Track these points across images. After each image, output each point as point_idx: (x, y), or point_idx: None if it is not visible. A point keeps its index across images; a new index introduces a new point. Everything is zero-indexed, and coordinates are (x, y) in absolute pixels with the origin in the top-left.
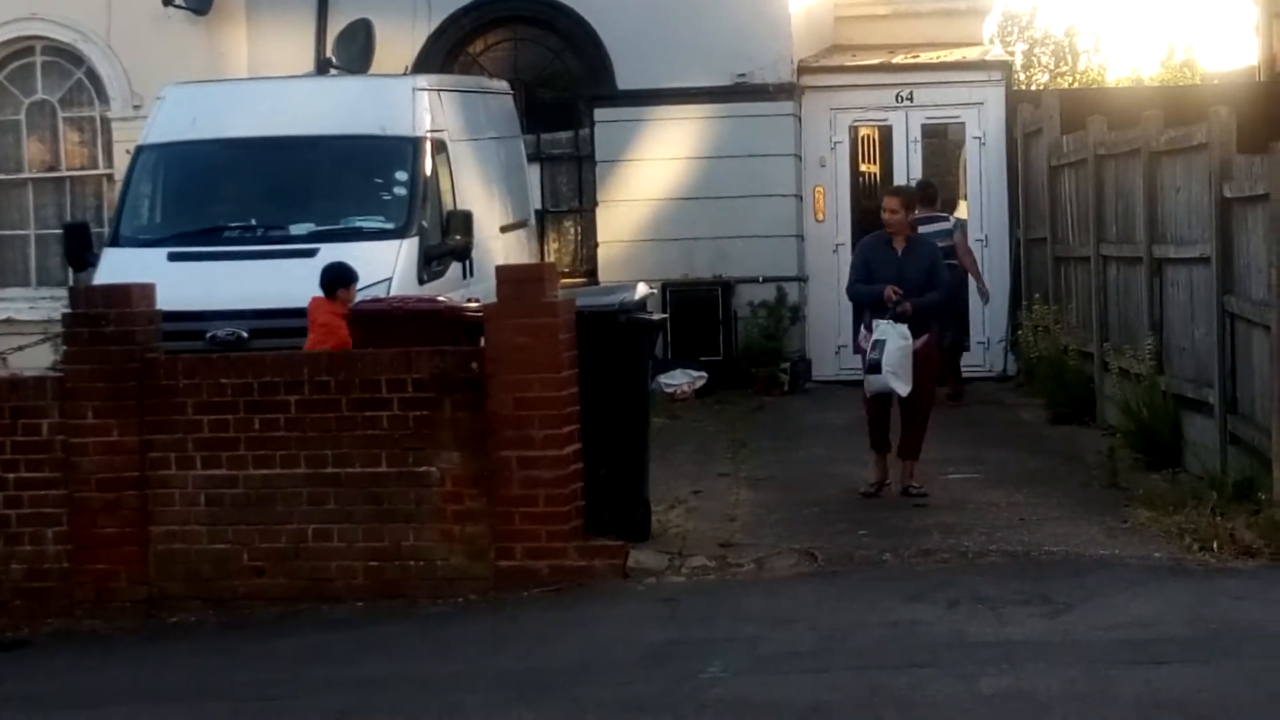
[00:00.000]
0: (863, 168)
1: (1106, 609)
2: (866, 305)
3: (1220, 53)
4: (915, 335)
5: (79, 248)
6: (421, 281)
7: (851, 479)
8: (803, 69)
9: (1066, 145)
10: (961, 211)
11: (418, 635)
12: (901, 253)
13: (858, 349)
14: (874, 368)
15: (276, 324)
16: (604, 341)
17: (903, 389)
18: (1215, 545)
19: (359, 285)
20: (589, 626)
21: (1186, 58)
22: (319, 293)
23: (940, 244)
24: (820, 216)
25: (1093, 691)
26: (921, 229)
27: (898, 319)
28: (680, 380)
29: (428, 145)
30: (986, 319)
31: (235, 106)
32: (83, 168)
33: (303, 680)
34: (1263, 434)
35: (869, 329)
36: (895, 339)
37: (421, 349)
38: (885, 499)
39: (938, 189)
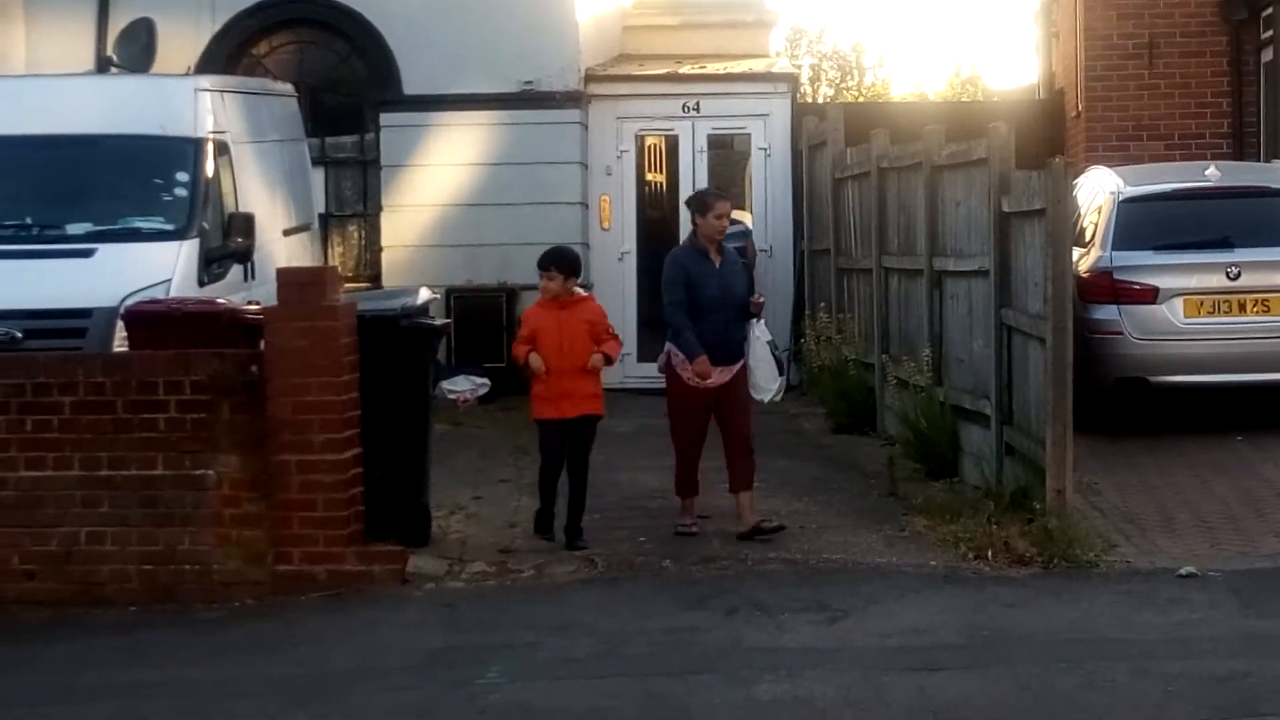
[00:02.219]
0: (649, 177)
1: (883, 616)
2: (682, 326)
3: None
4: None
5: None
6: (202, 284)
7: (633, 486)
8: (590, 77)
9: (850, 158)
10: (746, 220)
11: (191, 640)
12: (719, 264)
13: (664, 368)
14: (780, 370)
15: (52, 324)
16: (385, 346)
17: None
18: (990, 554)
19: (139, 287)
20: (367, 632)
21: (970, 76)
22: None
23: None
24: (606, 225)
25: (868, 698)
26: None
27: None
28: (463, 387)
29: (209, 146)
30: (770, 329)
31: (10, 103)
32: None
33: (71, 686)
34: (1037, 445)
35: (691, 350)
36: (765, 342)
37: (200, 351)
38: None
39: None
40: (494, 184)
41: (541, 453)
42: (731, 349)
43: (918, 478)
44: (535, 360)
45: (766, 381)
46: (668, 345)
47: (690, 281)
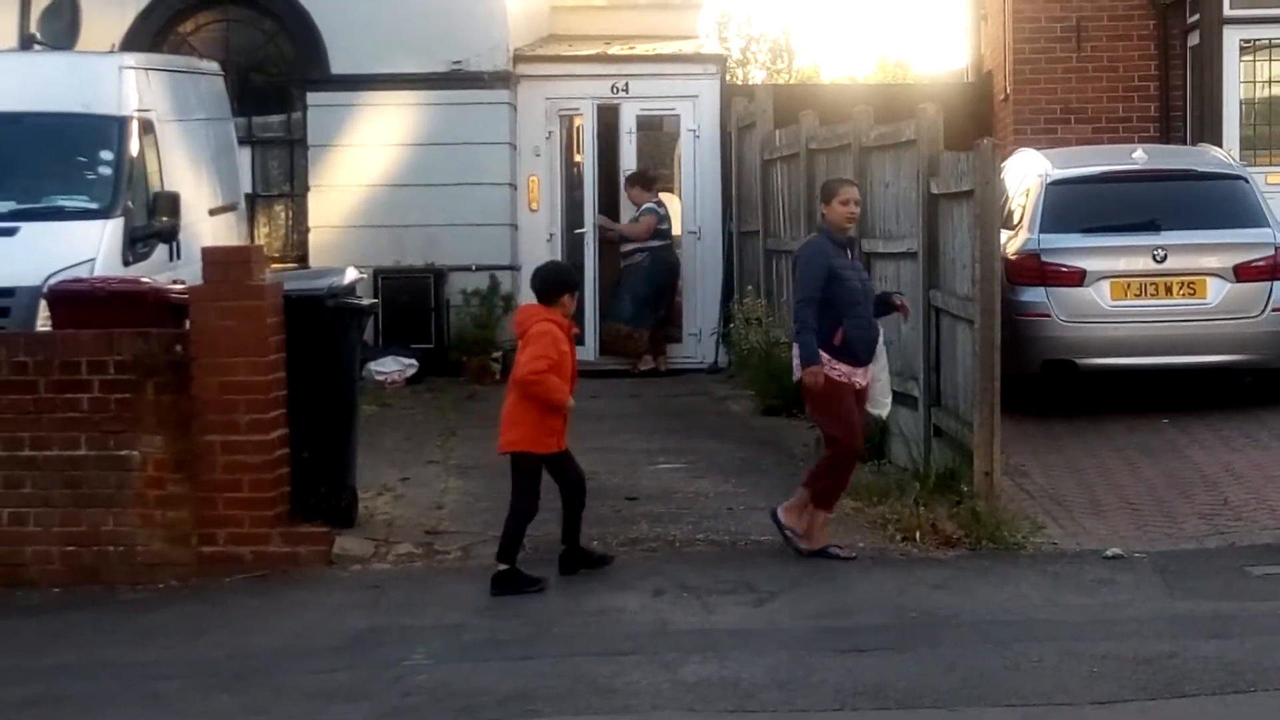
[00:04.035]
0: (577, 158)
1: (810, 598)
2: (806, 325)
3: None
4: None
5: None
6: (126, 263)
7: None
8: (519, 58)
9: (779, 139)
10: (674, 203)
11: (115, 622)
12: (852, 256)
13: (814, 378)
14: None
15: None
16: (312, 326)
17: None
18: (917, 535)
19: (63, 266)
20: (292, 613)
21: (901, 59)
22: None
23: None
24: (534, 206)
25: (795, 679)
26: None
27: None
28: (391, 368)
29: (134, 125)
30: (699, 311)
31: None
32: None
33: None
34: (965, 427)
35: (860, 355)
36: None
37: (124, 330)
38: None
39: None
40: (422, 164)
41: (531, 498)
42: (874, 348)
43: None
44: (570, 404)
45: (884, 395)
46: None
47: (833, 274)
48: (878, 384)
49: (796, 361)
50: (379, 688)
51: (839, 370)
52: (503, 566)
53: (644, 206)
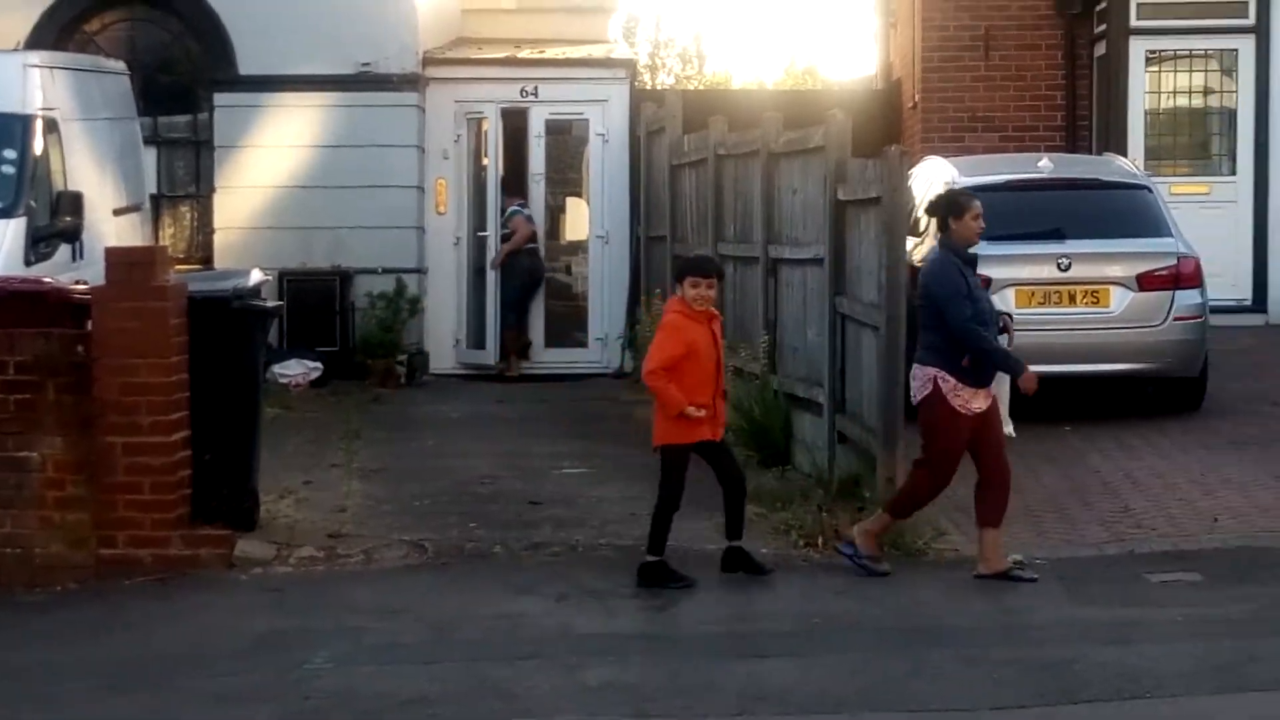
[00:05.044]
0: (485, 161)
1: (713, 603)
2: (984, 342)
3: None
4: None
5: None
6: (29, 263)
7: (466, 471)
8: (428, 60)
9: (688, 145)
10: (582, 208)
11: (11, 625)
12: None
13: (924, 396)
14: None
15: None
16: (216, 328)
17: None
18: (821, 542)
19: None
20: (192, 616)
21: (809, 66)
22: None
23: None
24: (442, 209)
25: (697, 685)
26: None
27: None
28: (295, 370)
29: (38, 123)
30: (605, 315)
31: None
32: None
33: None
34: (869, 433)
35: (987, 377)
36: None
37: (25, 330)
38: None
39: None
40: (329, 166)
41: (676, 486)
42: (995, 370)
43: (751, 465)
44: (693, 412)
45: (1006, 413)
46: (928, 370)
47: (966, 294)
48: (1003, 404)
49: (915, 384)
50: (280, 691)
51: (961, 397)
52: (651, 558)
53: (510, 210)
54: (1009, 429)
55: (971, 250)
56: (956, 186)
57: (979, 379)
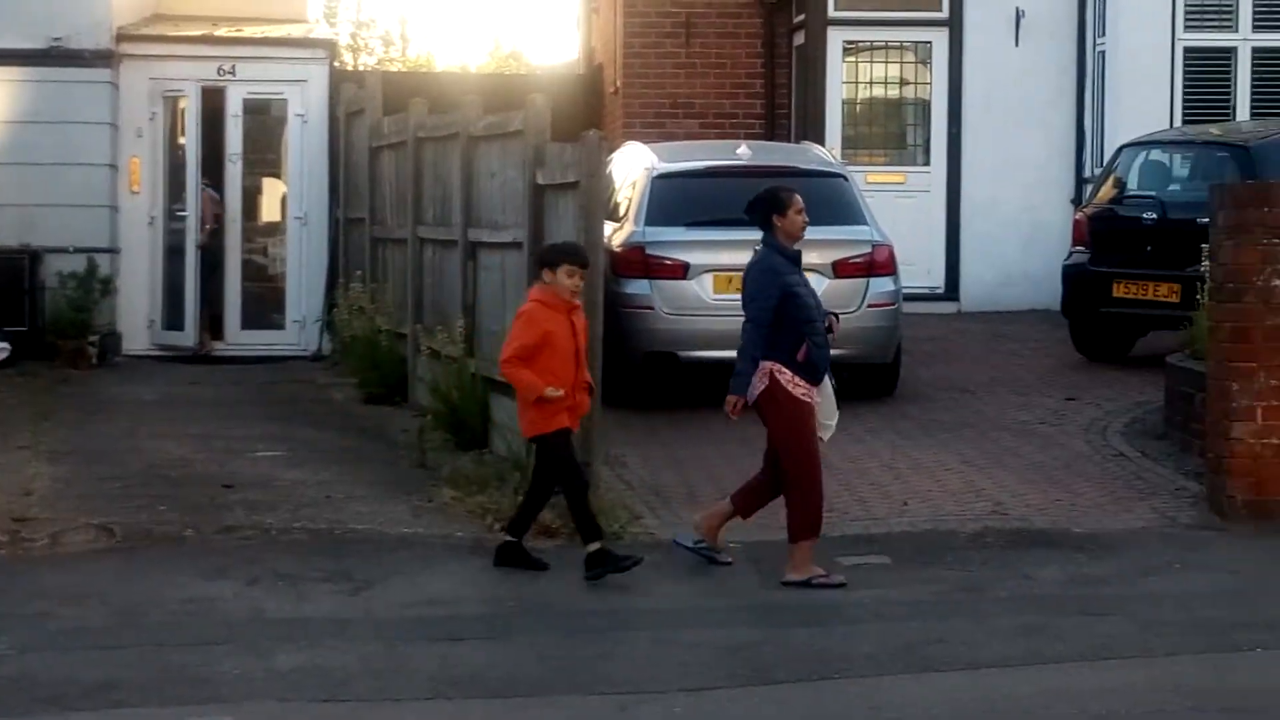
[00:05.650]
0: (181, 140)
1: (406, 587)
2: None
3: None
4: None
5: None
6: None
7: (157, 454)
8: (122, 36)
9: (388, 127)
10: (279, 188)
11: None
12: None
13: (760, 393)
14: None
15: None
16: None
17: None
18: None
19: None
20: None
21: (514, 50)
22: None
23: None
24: (136, 188)
25: (389, 668)
26: None
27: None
28: None
29: None
30: (303, 297)
31: None
32: None
33: None
34: None
35: (820, 373)
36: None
37: None
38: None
39: None
40: (18, 143)
41: (570, 467)
42: (828, 365)
43: (449, 449)
44: (552, 392)
45: (828, 417)
46: (764, 365)
47: (787, 291)
48: (827, 401)
49: (763, 380)
50: None
51: (802, 389)
52: (593, 547)
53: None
54: (827, 433)
55: (796, 247)
56: (661, 171)
57: (814, 375)
